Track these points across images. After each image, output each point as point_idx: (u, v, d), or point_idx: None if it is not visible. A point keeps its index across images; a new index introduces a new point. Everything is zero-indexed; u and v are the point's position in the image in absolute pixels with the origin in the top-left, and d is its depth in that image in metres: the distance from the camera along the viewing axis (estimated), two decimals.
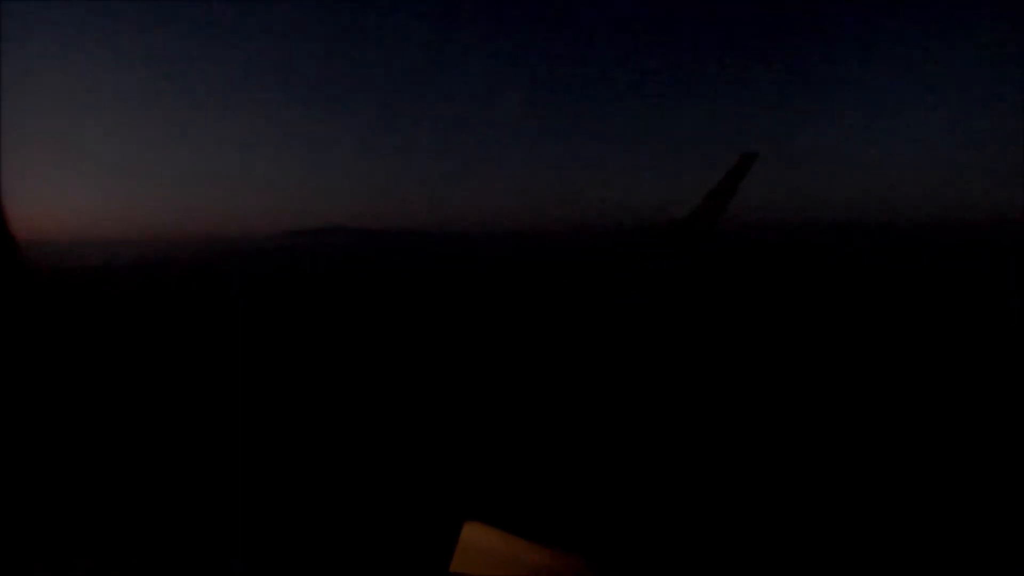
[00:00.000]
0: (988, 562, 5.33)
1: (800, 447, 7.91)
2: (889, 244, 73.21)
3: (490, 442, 7.53)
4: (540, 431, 8.15)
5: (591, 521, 5.60)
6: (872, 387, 10.84)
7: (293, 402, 10.22)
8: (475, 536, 2.00)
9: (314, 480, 6.04)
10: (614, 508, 5.93)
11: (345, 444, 7.39)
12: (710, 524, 5.74)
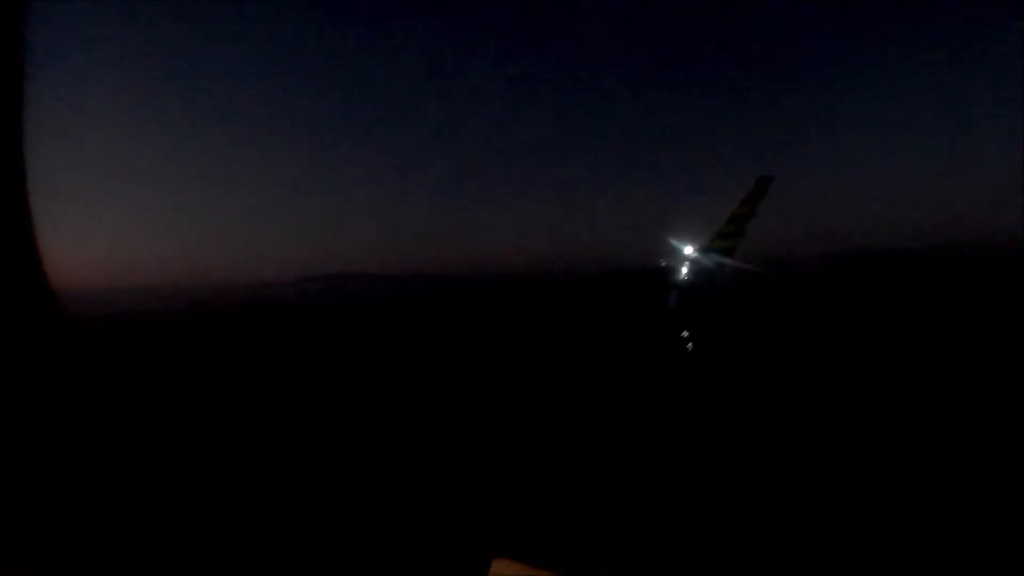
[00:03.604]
0: (988, 562, 5.27)
1: (825, 469, 7.76)
2: (906, 267, 72.64)
3: (516, 480, 7.00)
4: (564, 468, 7.58)
5: (617, 554, 5.56)
6: (891, 405, 10.80)
7: (321, 443, 10.11)
8: (504, 572, 2.03)
9: (346, 520, 5.72)
10: (640, 539, 5.88)
11: (376, 485, 6.95)
12: (741, 552, 5.64)
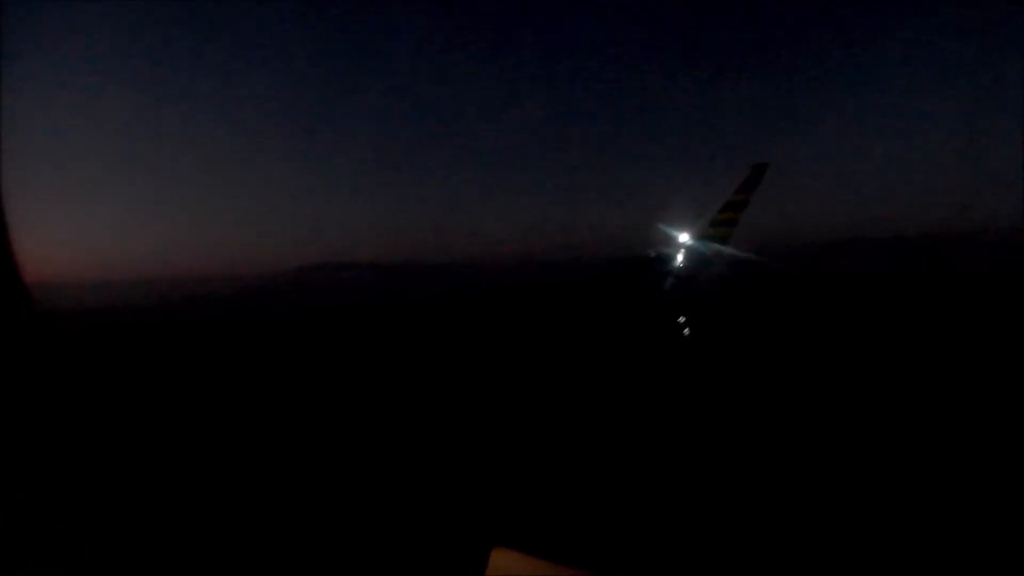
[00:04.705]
0: (988, 563, 5.19)
1: (826, 467, 7.60)
2: (905, 256, 71.27)
3: (517, 469, 7.14)
4: (565, 456, 7.69)
5: (618, 543, 5.55)
6: (892, 399, 10.64)
7: (319, 437, 10.08)
8: (504, 562, 2.03)
9: (345, 513, 5.84)
10: (640, 529, 5.91)
11: (374, 475, 7.09)
12: (739, 545, 5.63)
